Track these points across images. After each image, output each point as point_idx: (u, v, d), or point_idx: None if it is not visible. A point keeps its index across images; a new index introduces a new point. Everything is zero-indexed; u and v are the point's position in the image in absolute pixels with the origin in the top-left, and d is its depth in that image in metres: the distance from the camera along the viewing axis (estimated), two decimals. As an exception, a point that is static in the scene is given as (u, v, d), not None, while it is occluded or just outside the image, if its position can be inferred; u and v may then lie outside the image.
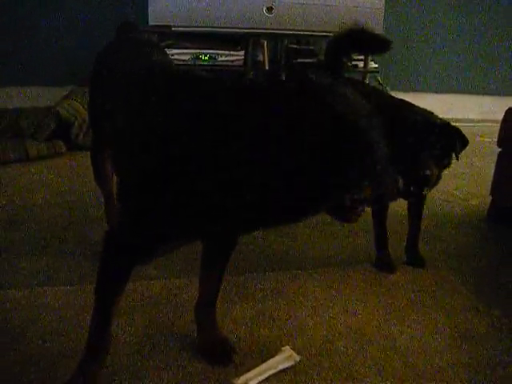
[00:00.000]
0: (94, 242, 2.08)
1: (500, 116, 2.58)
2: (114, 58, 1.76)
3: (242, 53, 3.54)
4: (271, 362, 1.47)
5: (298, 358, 1.50)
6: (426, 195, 1.95)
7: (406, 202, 2.15)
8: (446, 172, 1.91)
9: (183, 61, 3.48)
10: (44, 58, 3.83)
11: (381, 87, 3.82)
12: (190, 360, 1.48)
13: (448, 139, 1.88)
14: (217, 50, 3.54)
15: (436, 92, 4.42)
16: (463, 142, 1.92)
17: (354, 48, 2.48)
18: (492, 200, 2.63)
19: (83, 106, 3.25)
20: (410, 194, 1.95)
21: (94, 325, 1.34)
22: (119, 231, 1.31)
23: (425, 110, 1.96)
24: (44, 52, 3.84)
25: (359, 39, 2.35)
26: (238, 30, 3.51)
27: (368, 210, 2.24)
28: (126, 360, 1.47)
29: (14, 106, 3.67)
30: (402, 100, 2.15)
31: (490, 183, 2.64)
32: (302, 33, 3.65)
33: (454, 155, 1.92)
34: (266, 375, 1.43)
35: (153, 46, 1.80)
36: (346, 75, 2.74)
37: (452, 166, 1.91)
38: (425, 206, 2.14)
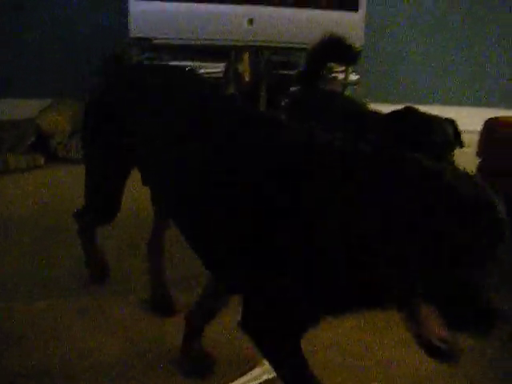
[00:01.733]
0: (81, 249, 2.06)
1: (477, 127, 2.60)
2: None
3: (223, 65, 3.54)
4: (254, 372, 1.46)
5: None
6: None
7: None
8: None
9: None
10: (24, 70, 3.80)
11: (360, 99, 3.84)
12: (169, 372, 1.48)
13: (456, 133, 1.89)
14: (198, 62, 3.53)
15: (414, 103, 4.47)
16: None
17: (329, 58, 2.51)
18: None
19: (63, 119, 3.26)
20: None
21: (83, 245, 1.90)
22: None
23: None
24: (23, 64, 3.80)
25: (334, 49, 2.39)
26: (219, 43, 3.52)
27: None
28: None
29: (-6, 119, 3.63)
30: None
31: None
32: (283, 45, 3.67)
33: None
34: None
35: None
36: (325, 87, 2.79)
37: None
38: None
